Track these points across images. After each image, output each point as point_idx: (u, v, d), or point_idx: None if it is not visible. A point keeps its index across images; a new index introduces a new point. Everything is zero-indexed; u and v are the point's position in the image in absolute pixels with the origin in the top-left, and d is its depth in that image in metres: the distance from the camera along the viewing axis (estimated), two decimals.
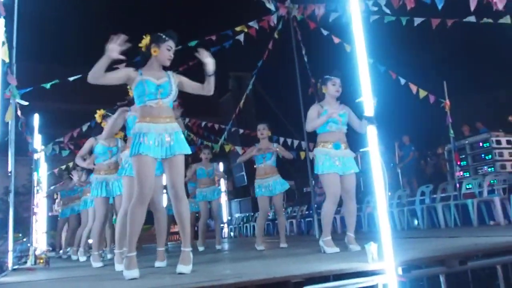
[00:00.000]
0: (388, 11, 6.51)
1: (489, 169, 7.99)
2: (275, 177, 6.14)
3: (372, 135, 2.91)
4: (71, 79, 6.65)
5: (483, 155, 8.19)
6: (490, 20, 6.01)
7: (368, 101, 2.99)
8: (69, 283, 3.38)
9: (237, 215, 16.62)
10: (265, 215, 6.42)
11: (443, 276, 2.88)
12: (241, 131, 11.58)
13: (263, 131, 6.27)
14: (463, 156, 8.56)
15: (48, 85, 6.60)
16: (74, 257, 7.27)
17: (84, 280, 3.55)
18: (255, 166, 6.53)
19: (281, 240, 6.07)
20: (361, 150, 4.43)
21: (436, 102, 8.25)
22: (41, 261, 5.67)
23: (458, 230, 6.72)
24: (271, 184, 6.09)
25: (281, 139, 11.52)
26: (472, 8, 4.98)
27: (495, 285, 3.21)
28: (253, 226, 14.40)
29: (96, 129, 5.42)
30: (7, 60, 3.48)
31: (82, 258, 6.53)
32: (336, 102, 4.61)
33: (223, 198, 14.43)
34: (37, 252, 6.45)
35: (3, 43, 3.40)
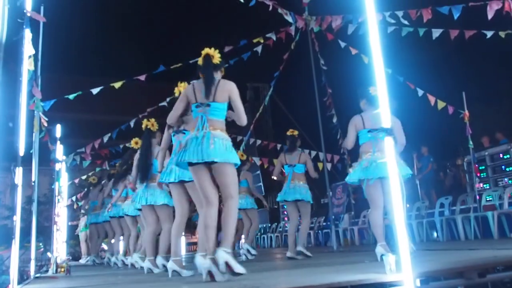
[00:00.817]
0: (406, 22, 6.54)
1: (510, 181, 7.87)
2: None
3: (389, 146, 2.93)
4: (94, 92, 6.82)
5: (503, 167, 8.06)
6: (506, 32, 6.02)
7: (385, 112, 3.01)
8: None
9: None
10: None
11: None
12: (258, 142, 11.64)
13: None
14: (483, 167, 8.44)
15: (71, 97, 6.78)
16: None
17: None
18: (273, 177, 6.58)
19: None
20: (379, 161, 4.48)
21: (455, 113, 8.21)
22: (62, 269, 5.77)
23: (478, 242, 6.63)
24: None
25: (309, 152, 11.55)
26: (490, 17, 4.98)
27: None
28: (270, 237, 14.38)
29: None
30: (32, 69, 3.60)
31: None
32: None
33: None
34: (59, 261, 6.54)
35: (30, 56, 3.52)
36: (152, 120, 5.30)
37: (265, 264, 5.31)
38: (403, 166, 4.55)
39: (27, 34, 3.49)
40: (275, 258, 6.60)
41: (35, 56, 4.49)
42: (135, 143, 5.75)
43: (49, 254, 12.69)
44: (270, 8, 7.34)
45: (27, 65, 3.46)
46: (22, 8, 3.45)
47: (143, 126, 5.24)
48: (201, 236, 3.80)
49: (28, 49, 3.51)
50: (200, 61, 3.62)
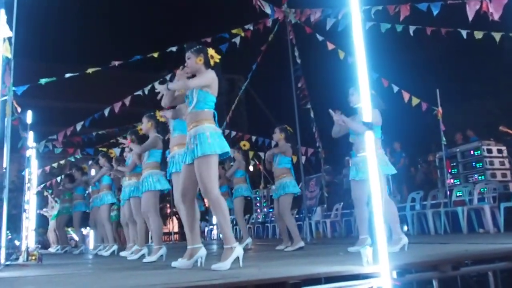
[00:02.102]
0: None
1: (480, 177, 8.09)
2: (280, 180, 6.12)
3: (369, 140, 2.96)
4: (67, 75, 6.64)
5: (474, 163, 8.28)
6: (481, 33, 6.16)
7: (366, 106, 3.04)
8: (65, 279, 3.38)
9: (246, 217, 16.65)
10: (276, 217, 6.43)
11: (436, 281, 2.93)
12: (233, 133, 11.62)
13: (274, 134, 6.32)
14: (454, 163, 8.66)
15: (43, 82, 6.59)
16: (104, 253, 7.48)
17: (80, 276, 3.56)
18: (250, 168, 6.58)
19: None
20: (358, 155, 4.55)
21: (428, 110, 8.37)
22: (34, 257, 5.64)
23: (448, 237, 6.81)
24: (276, 187, 6.15)
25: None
26: (470, 18, 5.07)
27: None
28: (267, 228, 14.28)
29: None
30: (9, 56, 3.47)
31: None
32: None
33: None
34: (30, 249, 6.40)
35: (4, 39, 3.39)
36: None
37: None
38: (388, 164, 4.66)
39: (2, 15, 3.36)
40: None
41: (9, 39, 4.34)
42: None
43: (16, 242, 12.44)
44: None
45: (2, 49, 3.34)
46: None
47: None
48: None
49: (3, 32, 3.38)
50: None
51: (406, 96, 8.11)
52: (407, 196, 8.78)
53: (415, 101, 8.23)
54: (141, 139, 5.80)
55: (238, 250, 3.27)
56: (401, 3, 5.90)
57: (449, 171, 8.58)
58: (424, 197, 8.20)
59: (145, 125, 5.47)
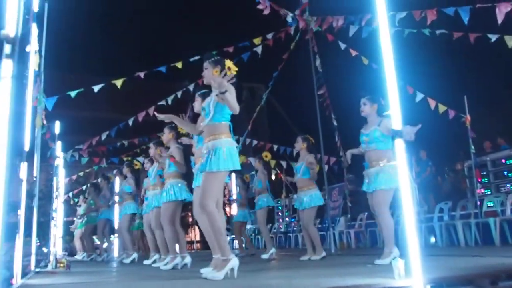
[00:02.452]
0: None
1: None
2: (305, 191, 6.07)
3: (400, 149, 2.88)
4: (95, 89, 6.75)
5: (505, 172, 8.03)
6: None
7: (396, 114, 2.97)
8: (93, 287, 3.39)
9: (248, 226, 16.56)
10: (302, 228, 6.35)
11: None
12: (254, 142, 11.59)
13: (296, 144, 6.29)
14: (484, 172, 8.41)
15: (73, 94, 6.71)
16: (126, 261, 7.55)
17: (107, 284, 3.55)
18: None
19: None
20: (388, 163, 4.47)
21: (455, 117, 8.17)
22: (62, 265, 5.70)
23: (480, 249, 6.59)
24: (301, 198, 6.09)
25: (295, 152, 11.49)
26: (500, 21, 4.93)
27: None
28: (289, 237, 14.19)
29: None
30: (37, 69, 3.54)
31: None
32: (371, 120, 4.75)
33: (235, 209, 14.44)
34: (58, 256, 6.50)
35: (36, 52, 3.46)
36: None
37: (264, 265, 5.24)
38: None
39: (34, 29, 3.43)
40: (271, 259, 6.54)
41: (39, 52, 4.44)
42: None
43: (44, 249, 12.63)
44: (269, 10, 7.25)
45: (34, 61, 3.40)
46: (28, 3, 3.38)
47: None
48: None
49: (34, 45, 3.44)
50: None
51: (432, 103, 7.94)
52: (434, 206, 8.57)
53: (442, 108, 8.06)
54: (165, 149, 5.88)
55: (233, 262, 3.33)
56: (427, 8, 5.78)
57: (479, 180, 8.34)
58: (453, 207, 7.98)
59: (166, 136, 5.51)
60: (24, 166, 3.58)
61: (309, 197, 5.99)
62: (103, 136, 8.93)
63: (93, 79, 7.72)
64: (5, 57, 2.18)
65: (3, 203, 1.96)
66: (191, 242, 21.79)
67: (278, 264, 5.54)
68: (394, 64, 3.14)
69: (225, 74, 3.53)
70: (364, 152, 4.83)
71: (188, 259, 5.10)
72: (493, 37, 6.18)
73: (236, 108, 3.47)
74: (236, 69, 3.78)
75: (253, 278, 3.28)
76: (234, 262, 3.32)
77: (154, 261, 6.97)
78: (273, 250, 6.75)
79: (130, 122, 8.65)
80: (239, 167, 3.57)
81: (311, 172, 6.07)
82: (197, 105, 4.64)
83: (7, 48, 2.22)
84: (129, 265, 7.03)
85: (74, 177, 11.92)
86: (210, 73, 3.69)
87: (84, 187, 12.31)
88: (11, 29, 2.20)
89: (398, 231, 7.70)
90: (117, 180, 8.74)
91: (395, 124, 2.95)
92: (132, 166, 7.65)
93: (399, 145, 2.89)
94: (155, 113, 4.28)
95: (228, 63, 3.77)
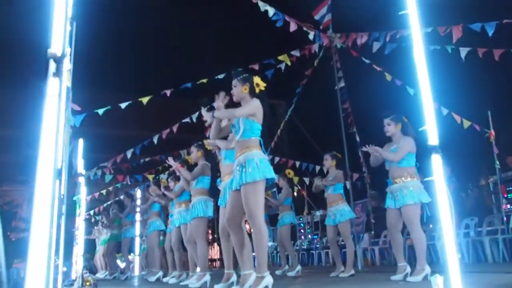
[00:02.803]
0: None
1: None
2: (336, 206, 6.11)
3: (437, 164, 2.87)
4: (122, 106, 6.86)
5: None
6: None
7: (431, 129, 2.96)
8: None
9: (269, 243, 16.45)
10: (331, 243, 6.37)
11: None
12: (276, 159, 11.59)
13: (325, 162, 6.35)
14: (510, 188, 8.27)
15: (100, 112, 6.82)
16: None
17: None
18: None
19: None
20: (425, 179, 4.44)
21: (479, 132, 8.10)
22: (88, 283, 5.72)
23: (507, 265, 6.47)
24: (333, 213, 6.11)
25: (317, 168, 11.48)
26: None
27: None
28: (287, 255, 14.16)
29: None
30: (69, 85, 3.61)
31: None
32: (395, 139, 4.84)
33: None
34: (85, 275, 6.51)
35: (68, 70, 3.53)
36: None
37: (293, 282, 5.19)
38: (423, 192, 4.64)
39: (67, 48, 3.50)
40: (297, 276, 6.47)
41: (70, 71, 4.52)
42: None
43: (64, 268, 12.69)
44: (295, 27, 7.34)
45: (66, 80, 3.47)
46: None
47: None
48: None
49: (66, 64, 3.51)
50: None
51: (457, 118, 7.89)
52: (458, 222, 8.43)
53: (467, 124, 8.00)
54: (190, 168, 5.93)
55: (268, 280, 3.33)
56: (453, 24, 5.78)
57: (505, 196, 8.19)
58: (479, 223, 7.86)
59: (194, 155, 5.57)
60: (57, 183, 3.62)
61: (341, 211, 6.03)
62: (128, 154, 9.01)
63: (118, 96, 7.85)
64: (52, 75, 2.24)
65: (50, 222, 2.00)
66: (212, 260, 21.72)
67: (308, 281, 5.48)
68: (415, 80, 3.16)
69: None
70: (387, 169, 4.89)
71: (207, 277, 5.17)
72: None
73: (247, 112, 3.62)
74: (265, 85, 3.86)
75: None
76: (269, 279, 3.32)
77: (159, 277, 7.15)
78: (299, 267, 6.72)
79: (155, 139, 8.73)
80: (274, 177, 3.60)
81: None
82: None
83: (52, 67, 2.28)
84: (154, 283, 7.04)
85: (97, 194, 12.01)
86: (239, 91, 3.75)
87: (105, 205, 12.38)
88: (58, 47, 2.26)
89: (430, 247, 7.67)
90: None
91: (431, 139, 2.95)
92: (158, 184, 7.70)
93: (436, 160, 2.88)
94: (202, 111, 4.27)
95: (256, 79, 3.85)
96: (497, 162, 7.90)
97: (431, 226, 9.07)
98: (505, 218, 7.43)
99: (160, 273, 7.65)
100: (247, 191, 3.47)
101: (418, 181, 4.69)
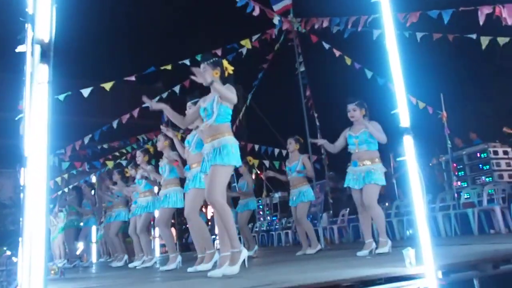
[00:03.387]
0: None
1: (487, 179, 8.22)
2: (299, 187, 6.37)
3: (409, 145, 3.06)
4: (85, 94, 6.68)
5: (480, 165, 8.42)
6: (487, 39, 6.30)
7: (403, 112, 3.14)
8: None
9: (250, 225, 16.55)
10: (296, 224, 6.63)
11: (477, 280, 3.00)
12: None
13: (288, 145, 6.55)
14: (461, 166, 8.79)
15: (61, 97, 6.63)
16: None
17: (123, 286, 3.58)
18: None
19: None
20: (397, 159, 4.66)
21: (430, 114, 8.53)
22: (53, 271, 5.62)
23: (459, 238, 6.91)
24: (295, 195, 6.39)
25: (276, 151, 11.66)
26: (481, 23, 5.20)
27: None
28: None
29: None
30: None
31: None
32: (359, 124, 5.02)
33: None
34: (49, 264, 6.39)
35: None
36: None
37: (261, 262, 5.32)
38: (383, 176, 4.93)
39: (30, 32, 3.38)
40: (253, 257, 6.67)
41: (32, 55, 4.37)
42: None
43: (14, 259, 12.30)
44: (258, 11, 7.39)
45: (29, 65, 3.36)
46: (25, 6, 3.35)
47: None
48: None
49: (29, 48, 3.40)
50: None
51: (413, 100, 8.26)
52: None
53: (421, 105, 8.39)
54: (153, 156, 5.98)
55: (244, 253, 3.46)
56: (412, 11, 6.03)
57: (456, 173, 8.70)
58: (433, 200, 8.31)
59: (161, 143, 5.55)
60: (23, 172, 3.53)
61: (303, 192, 6.30)
62: (86, 140, 8.81)
63: (79, 82, 7.63)
64: (40, 62, 2.21)
65: (45, 209, 2.00)
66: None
67: (277, 260, 5.62)
68: (375, 63, 3.33)
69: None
70: (352, 153, 5.10)
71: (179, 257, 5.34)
72: (472, 38, 6.48)
73: (231, 97, 3.60)
74: (232, 68, 3.88)
75: (266, 273, 3.37)
76: (245, 252, 3.45)
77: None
78: (256, 247, 6.95)
79: (115, 124, 8.57)
80: (240, 164, 3.75)
81: (308, 173, 6.49)
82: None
83: (37, 52, 2.23)
84: (121, 268, 7.02)
85: (51, 183, 11.66)
86: (210, 75, 3.69)
87: (60, 192, 12.04)
88: (45, 34, 2.22)
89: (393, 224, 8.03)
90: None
91: (403, 122, 3.13)
92: (123, 173, 7.62)
93: (408, 141, 3.07)
94: (145, 99, 4.27)
95: (225, 63, 3.86)
96: (449, 142, 8.36)
97: (387, 204, 9.53)
98: (456, 195, 7.91)
99: (126, 257, 7.74)
100: (215, 171, 3.53)
101: (382, 165, 4.97)
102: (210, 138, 3.66)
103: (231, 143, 3.61)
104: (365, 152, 4.93)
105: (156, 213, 6.31)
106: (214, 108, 3.66)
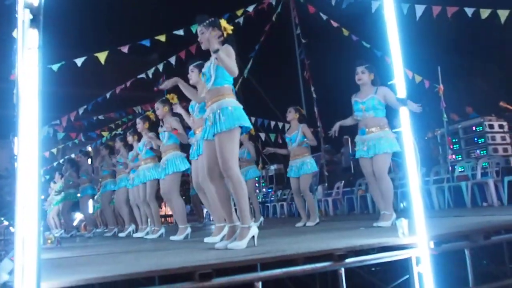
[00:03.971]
0: None
1: (482, 152, 8.24)
2: (302, 158, 6.25)
3: (404, 116, 3.04)
4: (78, 63, 6.58)
5: (476, 139, 8.42)
6: (487, 11, 6.22)
7: (400, 83, 3.12)
8: (106, 259, 3.41)
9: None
10: (295, 195, 6.51)
11: (467, 250, 3.04)
12: None
13: (288, 114, 6.43)
14: (456, 140, 8.80)
15: (55, 67, 6.53)
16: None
17: (120, 254, 3.59)
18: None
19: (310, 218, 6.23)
20: (393, 130, 4.65)
21: (426, 88, 8.49)
22: (50, 241, 5.65)
23: (452, 210, 6.99)
24: (297, 166, 6.26)
25: (272, 123, 11.64)
26: None
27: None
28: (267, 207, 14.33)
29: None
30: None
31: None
32: (366, 89, 4.90)
33: None
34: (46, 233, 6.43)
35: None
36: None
37: (281, 231, 5.30)
38: (395, 141, 4.79)
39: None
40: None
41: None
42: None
43: (12, 228, 12.39)
44: None
45: (21, 32, 3.29)
46: None
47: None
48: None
49: (20, 14, 3.32)
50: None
51: (409, 74, 8.21)
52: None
53: (418, 79, 8.35)
54: (153, 126, 5.89)
55: (253, 230, 3.26)
56: None
57: (451, 147, 8.72)
58: (427, 173, 8.35)
59: (161, 111, 5.50)
60: (17, 141, 3.50)
61: (306, 163, 6.19)
62: (81, 111, 8.76)
63: (74, 53, 7.49)
64: (30, 26, 2.16)
65: (38, 177, 1.99)
66: (166, 216, 21.91)
67: (277, 232, 5.60)
68: (372, 36, 3.29)
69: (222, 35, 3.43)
70: (358, 120, 4.98)
71: (189, 230, 5.29)
72: (469, 12, 6.40)
73: (234, 70, 3.30)
74: (232, 27, 3.56)
75: (262, 242, 3.40)
76: (254, 229, 3.27)
77: (130, 233, 7.25)
78: (261, 219, 6.97)
79: (108, 95, 8.51)
80: (250, 125, 3.41)
81: (311, 142, 6.33)
82: (194, 76, 4.53)
83: (26, 16, 2.18)
84: (123, 238, 7.08)
85: (47, 153, 11.64)
86: (208, 37, 3.42)
87: (55, 164, 12.04)
88: None
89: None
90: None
91: (400, 93, 3.11)
92: (125, 141, 7.52)
93: (404, 112, 3.05)
94: (161, 84, 4.21)
95: (223, 22, 3.55)
96: (445, 116, 8.34)
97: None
98: (450, 168, 7.95)
99: (132, 227, 7.74)
100: (221, 140, 3.30)
101: (391, 131, 4.82)
102: (210, 102, 3.48)
103: (232, 105, 3.38)
104: (373, 118, 4.81)
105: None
106: (211, 71, 3.46)
